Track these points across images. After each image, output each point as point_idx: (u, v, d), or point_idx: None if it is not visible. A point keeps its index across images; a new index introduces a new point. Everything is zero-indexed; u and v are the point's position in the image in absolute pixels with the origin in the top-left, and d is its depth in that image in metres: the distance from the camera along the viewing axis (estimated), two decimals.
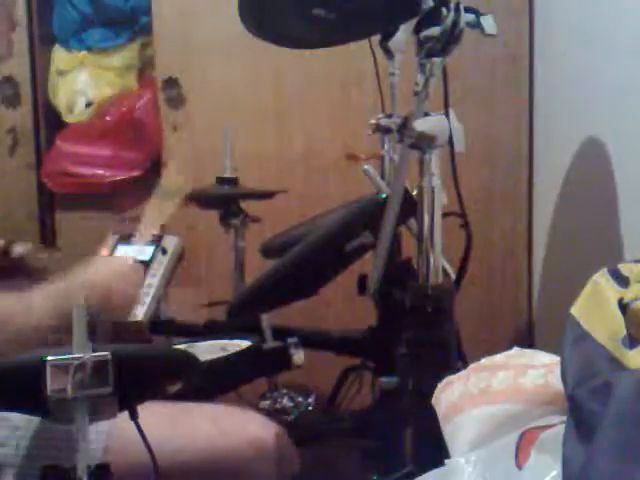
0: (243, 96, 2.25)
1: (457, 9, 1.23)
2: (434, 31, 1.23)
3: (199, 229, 2.21)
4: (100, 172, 2.35)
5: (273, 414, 1.59)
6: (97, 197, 2.37)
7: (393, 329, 1.48)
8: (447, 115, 1.31)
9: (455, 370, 1.09)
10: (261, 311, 1.59)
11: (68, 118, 2.41)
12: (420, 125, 1.26)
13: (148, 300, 1.70)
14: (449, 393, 1.04)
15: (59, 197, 2.43)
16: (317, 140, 2.24)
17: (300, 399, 1.65)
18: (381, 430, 1.55)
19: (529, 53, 2.18)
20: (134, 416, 0.91)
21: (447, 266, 1.43)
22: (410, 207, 1.34)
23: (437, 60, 1.24)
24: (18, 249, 1.35)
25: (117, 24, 2.39)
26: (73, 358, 0.82)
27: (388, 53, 1.59)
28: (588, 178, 1.74)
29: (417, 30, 1.25)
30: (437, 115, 1.30)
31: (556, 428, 0.88)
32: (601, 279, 0.90)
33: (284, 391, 1.65)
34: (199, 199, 1.85)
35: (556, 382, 0.91)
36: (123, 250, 1.83)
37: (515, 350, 1.08)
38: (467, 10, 1.26)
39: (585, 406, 0.79)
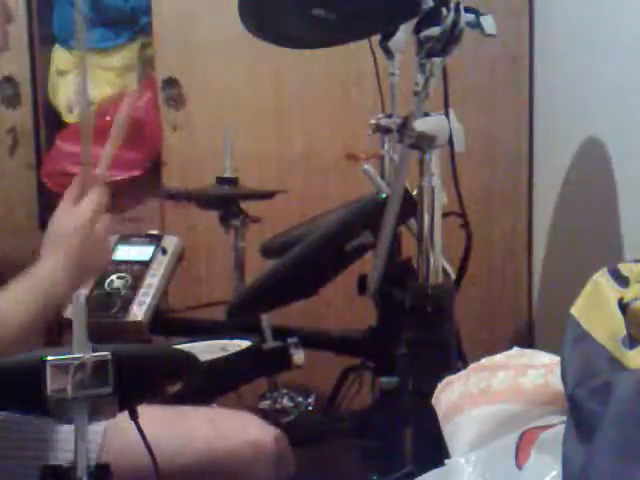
0: (243, 96, 2.25)
1: (457, 9, 1.23)
2: (434, 31, 1.23)
3: (199, 229, 2.21)
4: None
5: (273, 414, 1.59)
6: None
7: (393, 329, 1.48)
8: (447, 115, 1.31)
9: (455, 370, 1.09)
10: (261, 311, 1.59)
11: (68, 118, 2.41)
12: (420, 125, 1.26)
13: (148, 300, 1.70)
14: (449, 393, 1.04)
15: (59, 197, 2.42)
16: (317, 140, 2.24)
17: (300, 399, 1.65)
18: (381, 430, 1.55)
19: (529, 53, 2.18)
20: (134, 416, 0.91)
21: (447, 266, 1.43)
22: (410, 207, 1.34)
23: (437, 60, 1.24)
24: None
25: (117, 24, 2.39)
26: (73, 358, 0.82)
27: (388, 53, 1.60)
28: (588, 178, 1.74)
29: (417, 30, 1.25)
30: (437, 115, 1.30)
31: (556, 428, 0.88)
32: (601, 279, 0.90)
33: (284, 391, 1.65)
34: (199, 199, 1.85)
35: (556, 382, 0.91)
36: (123, 250, 1.84)
37: (515, 350, 1.07)
38: (467, 10, 1.26)
39: (585, 406, 0.79)
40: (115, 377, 0.83)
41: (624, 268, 0.91)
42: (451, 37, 1.23)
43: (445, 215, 1.34)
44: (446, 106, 1.32)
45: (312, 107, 2.23)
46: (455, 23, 1.22)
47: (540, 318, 2.18)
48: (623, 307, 0.84)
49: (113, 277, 1.72)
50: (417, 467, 1.20)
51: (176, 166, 2.29)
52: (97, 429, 1.16)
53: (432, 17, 1.22)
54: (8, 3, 1.38)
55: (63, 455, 0.89)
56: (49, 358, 0.82)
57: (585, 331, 0.86)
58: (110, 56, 2.41)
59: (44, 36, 2.41)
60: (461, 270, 1.45)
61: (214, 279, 2.22)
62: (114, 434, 1.16)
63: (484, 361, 1.06)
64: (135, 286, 1.72)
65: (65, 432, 1.11)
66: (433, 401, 1.07)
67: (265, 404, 1.62)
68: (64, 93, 2.41)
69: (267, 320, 1.60)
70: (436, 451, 1.01)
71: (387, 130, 1.48)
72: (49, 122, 2.44)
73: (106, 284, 1.71)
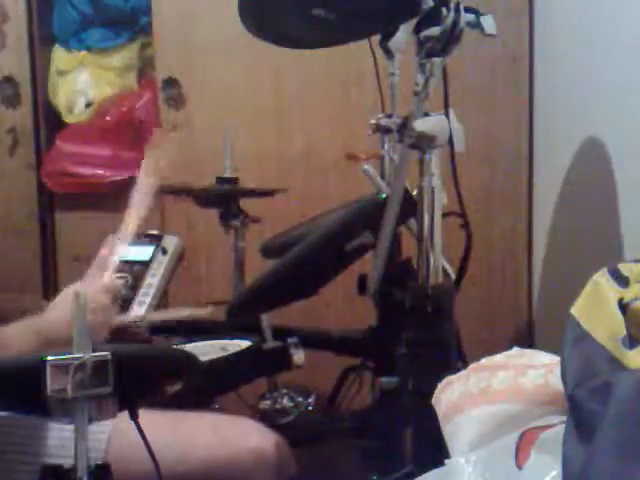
0: (243, 96, 2.25)
1: (457, 9, 1.23)
2: (434, 31, 1.23)
3: (199, 229, 2.22)
4: (100, 172, 2.35)
5: (273, 414, 1.59)
6: (97, 197, 2.36)
7: (393, 329, 1.48)
8: (447, 115, 1.31)
9: (455, 370, 1.09)
10: (261, 311, 1.59)
11: (68, 118, 2.42)
12: (420, 125, 1.26)
13: (148, 300, 1.70)
14: (449, 393, 1.04)
15: (59, 197, 2.43)
16: (317, 140, 2.24)
17: (300, 399, 1.64)
18: (381, 430, 1.55)
19: (529, 53, 2.18)
20: (134, 416, 0.91)
21: (447, 266, 1.43)
22: (410, 207, 1.34)
23: (437, 60, 1.24)
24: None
25: (117, 24, 2.40)
26: (73, 358, 0.82)
27: (388, 53, 1.60)
28: (588, 178, 1.74)
29: (417, 30, 1.25)
30: (437, 115, 1.30)
31: (556, 428, 0.88)
32: (601, 279, 0.90)
33: (284, 391, 1.65)
34: (199, 199, 1.85)
35: (556, 382, 0.91)
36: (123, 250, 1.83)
37: (515, 350, 1.08)
38: (467, 10, 1.26)
39: (585, 406, 0.79)
40: (115, 377, 0.83)
41: (624, 268, 0.91)
42: (451, 37, 1.23)
43: (445, 215, 1.34)
44: (446, 106, 1.32)
45: (312, 107, 2.23)
46: (455, 23, 1.22)
47: (540, 318, 2.18)
48: (623, 307, 0.84)
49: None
50: (417, 467, 1.20)
51: (176, 166, 2.28)
52: (101, 437, 1.16)
53: (432, 17, 1.23)
54: (4, 3, 1.38)
55: (64, 460, 0.89)
56: (49, 358, 0.82)
57: (585, 331, 0.86)
58: (110, 56, 2.41)
59: (44, 36, 2.41)
60: (461, 270, 1.45)
61: (214, 279, 2.22)
62: (119, 442, 1.16)
63: (484, 361, 1.06)
64: (135, 286, 1.71)
65: (67, 437, 1.12)
66: (433, 401, 1.07)
67: (265, 404, 1.62)
68: (64, 93, 2.41)
69: (267, 320, 1.59)
70: (436, 451, 1.01)
71: (387, 130, 1.48)
72: (49, 122, 2.44)
73: None
